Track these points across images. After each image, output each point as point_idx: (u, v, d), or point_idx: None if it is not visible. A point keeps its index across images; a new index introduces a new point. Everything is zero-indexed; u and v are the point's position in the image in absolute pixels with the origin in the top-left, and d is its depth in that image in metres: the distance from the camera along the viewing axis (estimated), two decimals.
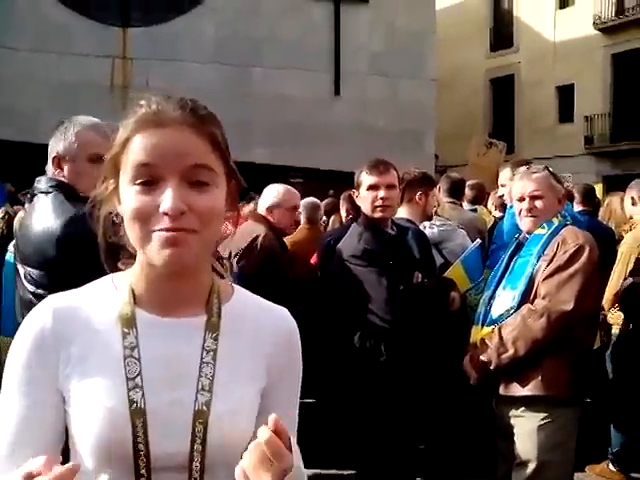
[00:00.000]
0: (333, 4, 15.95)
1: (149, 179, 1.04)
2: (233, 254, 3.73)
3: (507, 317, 2.92)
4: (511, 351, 2.85)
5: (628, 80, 22.00)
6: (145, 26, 14.31)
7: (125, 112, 1.10)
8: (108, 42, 14.01)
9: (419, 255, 3.42)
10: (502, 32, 25.32)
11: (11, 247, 2.88)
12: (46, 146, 2.39)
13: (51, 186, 2.31)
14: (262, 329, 1.19)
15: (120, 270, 1.20)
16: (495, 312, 2.99)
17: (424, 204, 3.99)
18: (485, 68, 25.54)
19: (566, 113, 23.59)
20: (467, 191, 5.88)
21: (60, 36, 13.64)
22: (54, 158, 2.35)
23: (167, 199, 1.02)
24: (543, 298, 2.86)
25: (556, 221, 3.02)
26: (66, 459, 1.08)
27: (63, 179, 2.33)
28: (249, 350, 1.17)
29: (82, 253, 2.11)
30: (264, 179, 4.61)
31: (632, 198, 4.73)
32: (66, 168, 2.33)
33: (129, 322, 1.11)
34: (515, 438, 2.92)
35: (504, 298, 2.98)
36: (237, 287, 1.24)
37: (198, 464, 1.08)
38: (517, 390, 2.90)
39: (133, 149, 1.06)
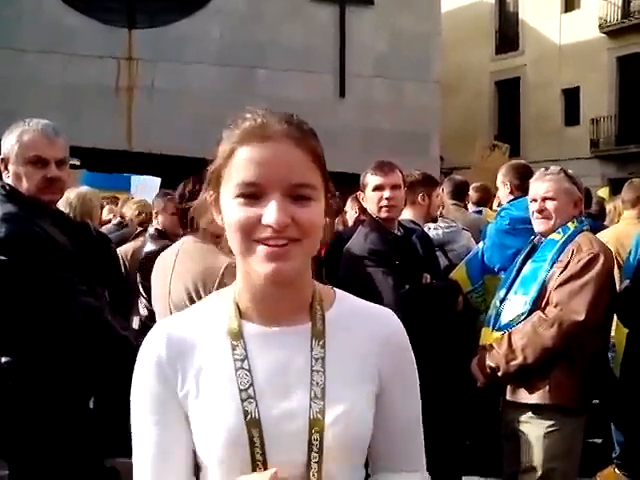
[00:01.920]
0: (338, 6, 15.93)
1: (253, 193, 1.05)
2: None
3: (517, 323, 2.88)
4: (520, 359, 2.81)
5: (634, 83, 21.99)
6: (151, 27, 14.32)
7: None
8: (114, 43, 14.01)
9: (424, 257, 3.41)
10: (507, 35, 25.32)
11: None
12: None
13: None
14: (368, 332, 1.20)
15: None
16: (505, 317, 2.95)
17: (427, 205, 3.97)
18: (490, 70, 25.53)
19: (572, 116, 23.57)
20: (472, 193, 5.88)
21: (65, 38, 13.64)
22: (1, 160, 2.39)
23: (272, 212, 1.03)
24: (555, 306, 2.81)
25: (572, 226, 2.95)
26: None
27: (8, 180, 2.36)
28: (356, 354, 1.17)
29: (5, 252, 2.14)
30: None
31: None
32: (10, 170, 2.36)
33: (237, 335, 1.13)
34: (521, 443, 2.90)
35: (515, 303, 2.94)
36: (339, 291, 1.25)
37: (316, 472, 1.09)
38: (525, 397, 2.87)
39: (237, 164, 1.07)
